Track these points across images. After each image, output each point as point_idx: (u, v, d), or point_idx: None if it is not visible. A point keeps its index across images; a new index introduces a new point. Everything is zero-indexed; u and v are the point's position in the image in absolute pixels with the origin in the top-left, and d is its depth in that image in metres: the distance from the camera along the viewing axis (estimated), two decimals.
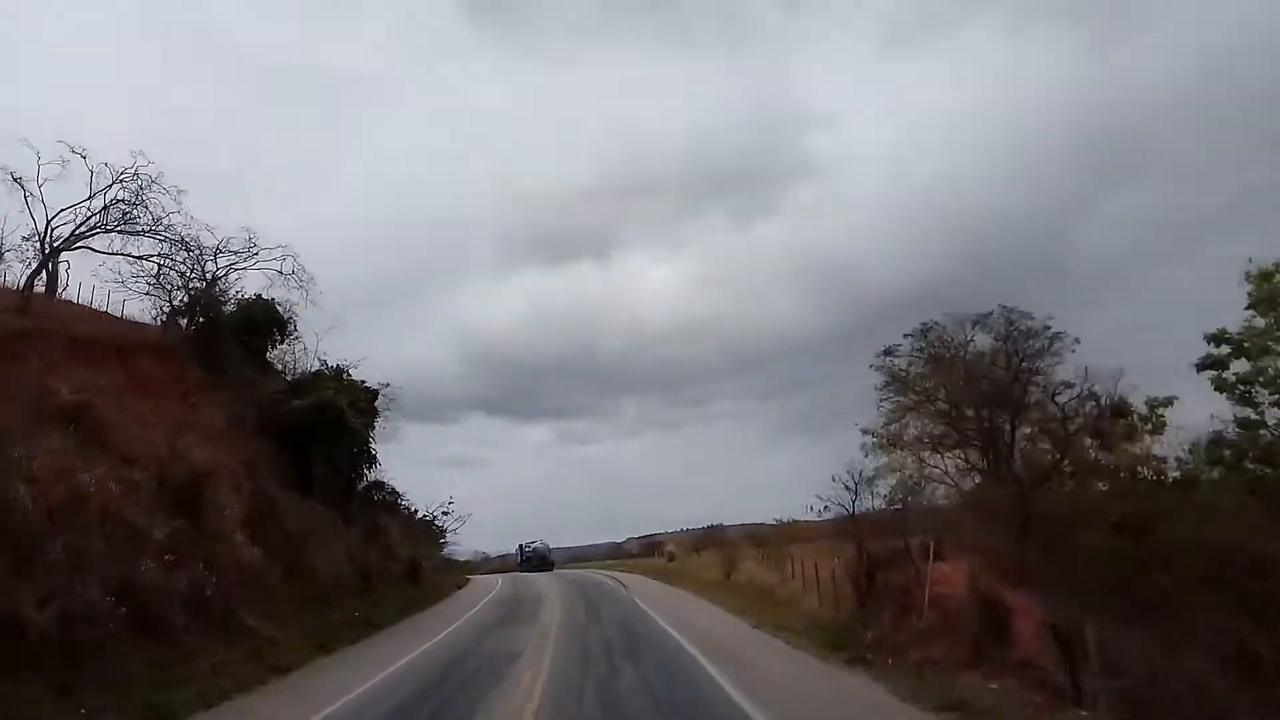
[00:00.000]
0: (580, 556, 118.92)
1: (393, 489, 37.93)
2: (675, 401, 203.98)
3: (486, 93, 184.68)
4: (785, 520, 33.89)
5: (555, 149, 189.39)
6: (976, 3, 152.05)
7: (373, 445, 31.48)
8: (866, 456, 23.50)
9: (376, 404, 31.40)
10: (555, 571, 54.46)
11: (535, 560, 57.73)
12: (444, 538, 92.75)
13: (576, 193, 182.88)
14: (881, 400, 24.57)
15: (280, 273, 26.85)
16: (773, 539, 32.89)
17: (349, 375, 30.10)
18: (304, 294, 27.29)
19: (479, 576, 57.61)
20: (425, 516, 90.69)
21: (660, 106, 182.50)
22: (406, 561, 35.04)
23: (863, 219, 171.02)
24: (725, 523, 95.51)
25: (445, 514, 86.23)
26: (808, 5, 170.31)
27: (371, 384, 31.42)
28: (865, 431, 24.27)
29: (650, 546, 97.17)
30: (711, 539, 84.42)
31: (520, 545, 68.27)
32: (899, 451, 24.75)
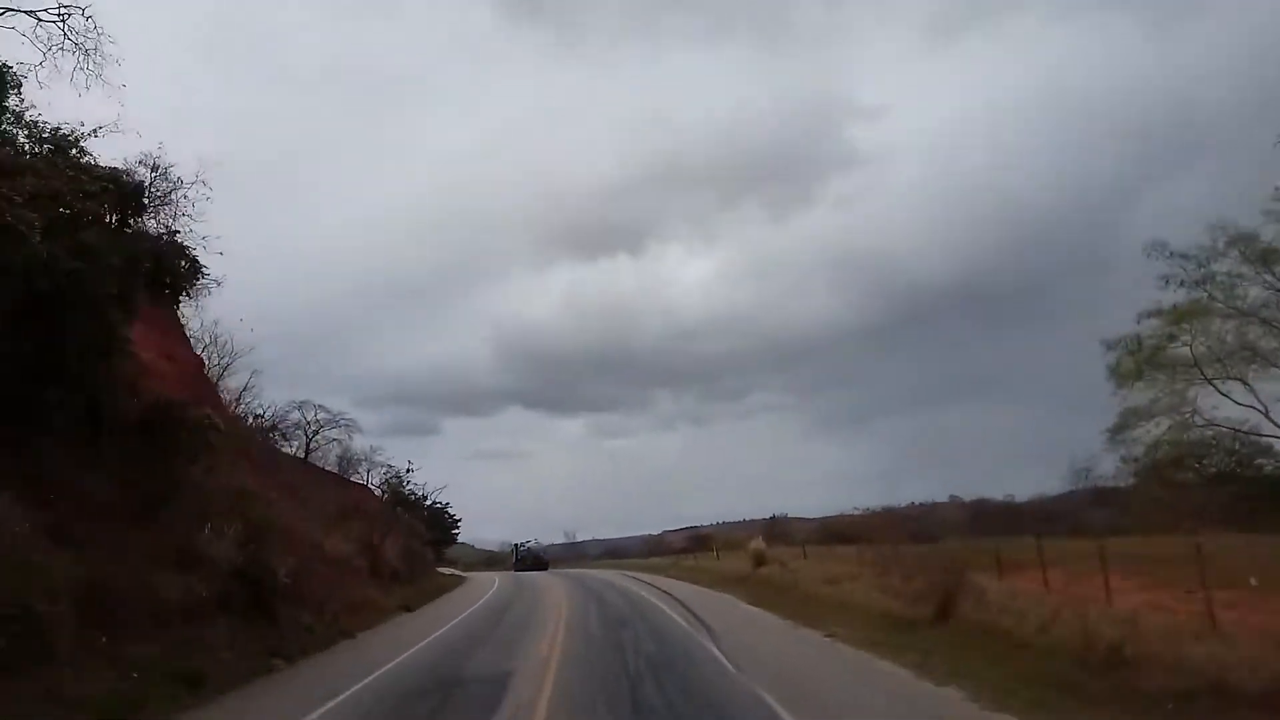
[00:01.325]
0: (615, 550, 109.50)
1: None
2: (710, 395, 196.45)
3: (525, 88, 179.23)
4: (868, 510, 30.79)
5: (593, 143, 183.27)
6: None
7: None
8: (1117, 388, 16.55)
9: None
10: (572, 578, 43.50)
11: (530, 560, 59.00)
12: (455, 529, 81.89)
13: (613, 186, 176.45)
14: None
15: None
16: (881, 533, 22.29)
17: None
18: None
19: (477, 574, 48.86)
20: (436, 505, 79.81)
21: (699, 99, 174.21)
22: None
23: (905, 210, 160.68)
24: (786, 513, 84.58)
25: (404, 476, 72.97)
26: None
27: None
28: (1113, 346, 15.61)
29: (698, 541, 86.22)
30: (776, 533, 72.62)
31: (515, 545, 71.81)
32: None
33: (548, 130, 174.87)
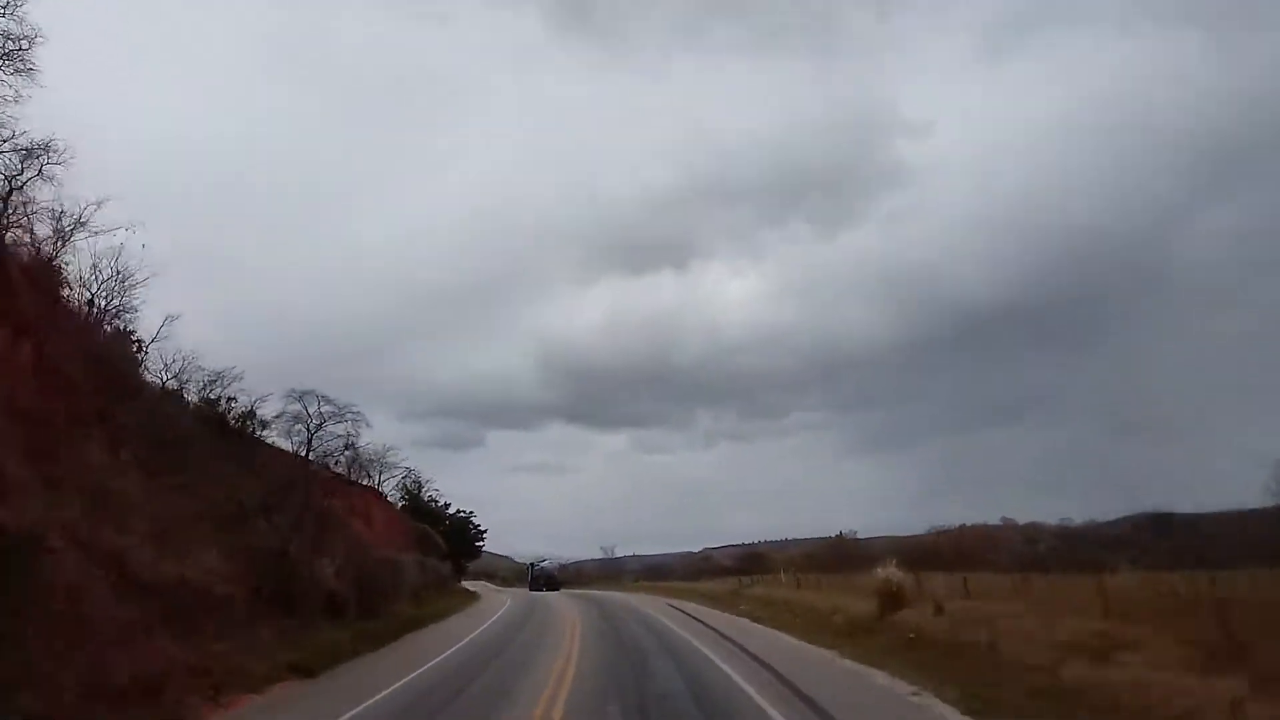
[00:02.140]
0: (656, 569, 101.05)
1: None
2: (751, 412, 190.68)
3: (572, 100, 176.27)
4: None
5: (639, 156, 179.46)
6: (1081, 3, 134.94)
7: None
8: None
9: None
10: (596, 614, 34.52)
11: (543, 579, 57.43)
12: (480, 540, 73.30)
13: (659, 201, 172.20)
14: None
15: None
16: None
17: None
18: None
19: (490, 594, 41.19)
20: (460, 515, 71.18)
21: (746, 113, 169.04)
22: None
23: (953, 227, 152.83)
24: (854, 531, 74.25)
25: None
26: (901, 9, 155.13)
27: None
28: None
29: (750, 560, 76.32)
30: (842, 555, 62.24)
31: (530, 564, 68.65)
32: None
33: (595, 143, 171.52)
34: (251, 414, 35.62)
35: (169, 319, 25.48)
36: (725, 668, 12.38)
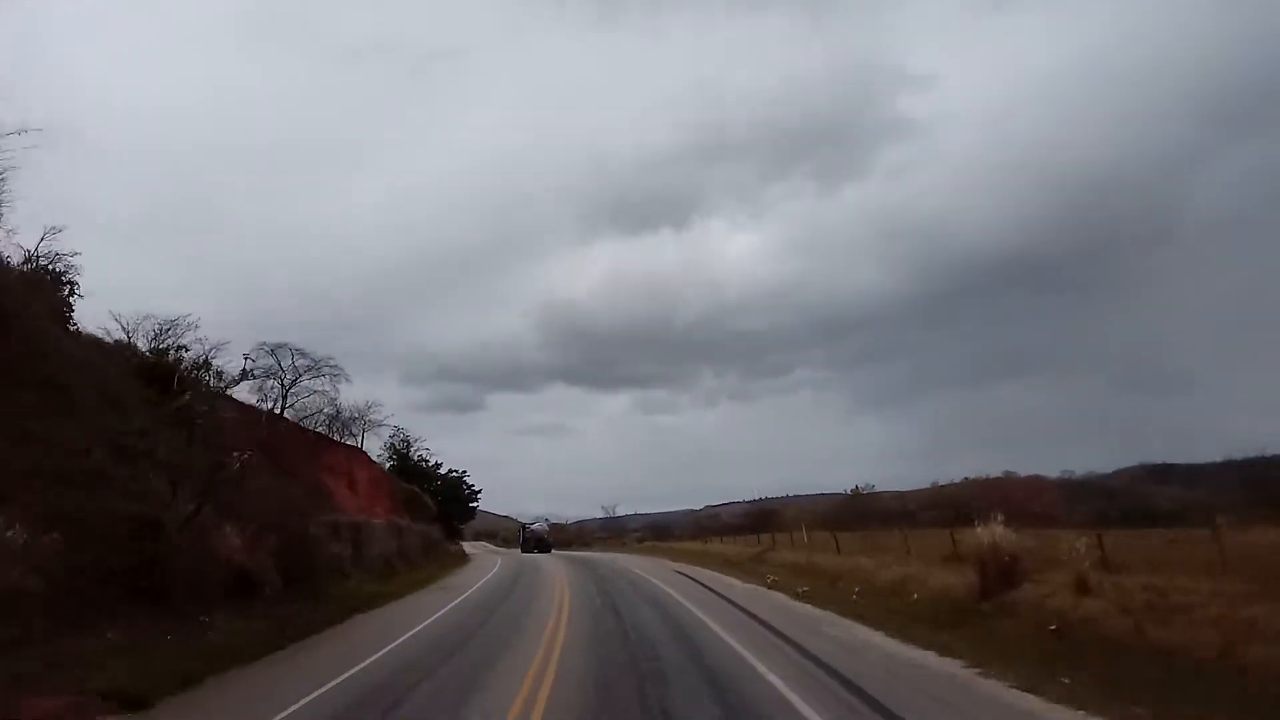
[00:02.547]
0: (659, 527, 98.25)
1: None
2: (755, 371, 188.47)
3: (570, 61, 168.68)
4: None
5: (638, 114, 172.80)
6: None
7: None
8: None
9: None
10: (593, 583, 29.89)
11: (534, 541, 57.07)
12: (474, 500, 69.24)
13: (658, 158, 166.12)
14: None
15: None
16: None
17: None
18: None
19: (482, 557, 37.25)
20: (451, 474, 66.94)
21: (746, 68, 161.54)
22: None
23: (958, 180, 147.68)
24: (872, 485, 70.07)
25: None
26: None
27: None
28: None
29: (761, 518, 72.17)
30: (859, 511, 57.97)
31: (522, 526, 67.52)
32: None
33: (591, 101, 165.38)
34: (205, 364, 30.74)
35: (50, 230, 20.50)
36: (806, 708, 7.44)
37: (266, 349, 42.29)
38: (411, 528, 40.63)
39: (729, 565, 25.34)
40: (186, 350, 29.79)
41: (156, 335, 29.60)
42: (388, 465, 66.85)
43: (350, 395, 60.53)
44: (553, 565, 30.80)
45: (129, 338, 28.33)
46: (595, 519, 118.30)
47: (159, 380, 26.73)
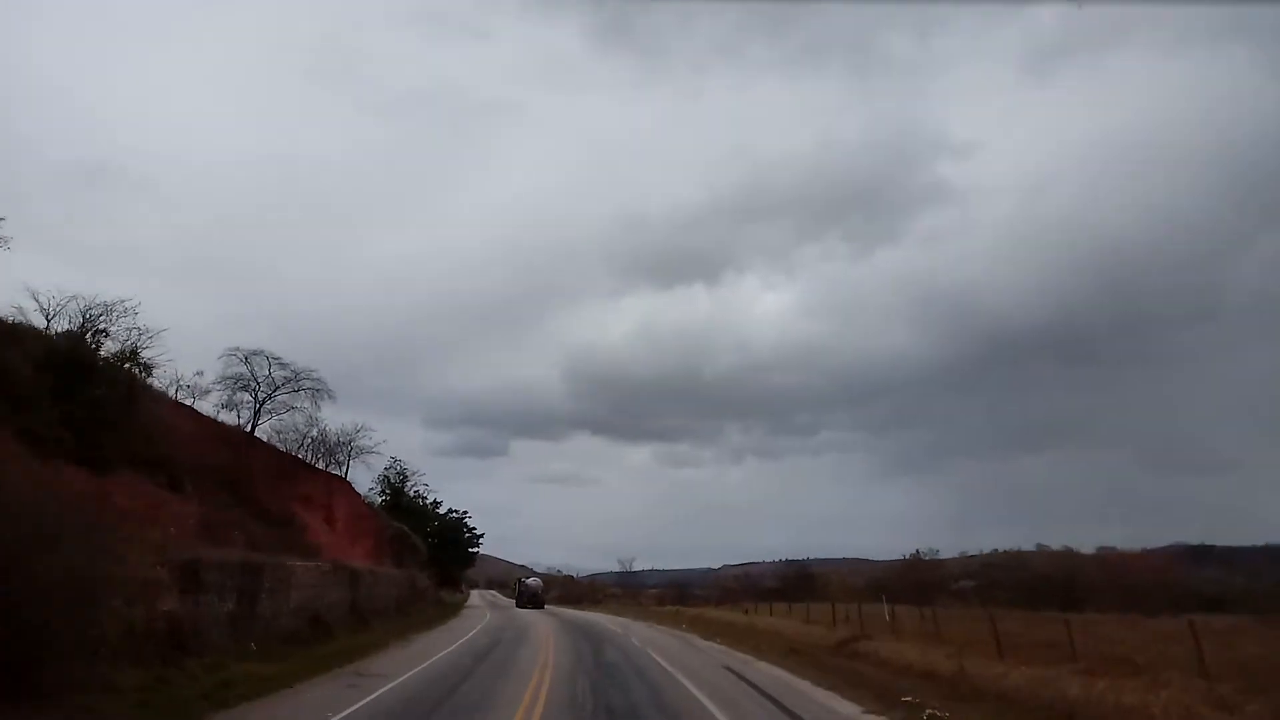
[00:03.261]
0: (679, 584, 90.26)
1: None
2: (780, 429, 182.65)
3: (610, 116, 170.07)
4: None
5: (675, 172, 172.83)
6: (1131, 23, 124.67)
7: None
8: None
9: None
10: (593, 665, 21.16)
11: (527, 596, 54.61)
12: (475, 545, 61.16)
13: (693, 216, 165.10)
14: None
15: None
16: None
17: None
18: None
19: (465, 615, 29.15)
20: (452, 515, 59.56)
21: (783, 131, 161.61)
22: None
23: (993, 248, 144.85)
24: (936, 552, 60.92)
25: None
26: (942, 31, 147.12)
27: None
28: None
29: (799, 581, 62.52)
30: (919, 579, 49.42)
31: (518, 580, 65.53)
32: None
33: (630, 157, 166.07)
34: (133, 355, 24.08)
35: None
36: None
37: (239, 356, 35.86)
38: (379, 574, 33.09)
39: (806, 659, 17.05)
40: (106, 335, 23.27)
41: (84, 320, 23.24)
42: (379, 500, 59.67)
43: (337, 418, 53.64)
44: (544, 636, 22.98)
45: (48, 320, 22.13)
46: (610, 573, 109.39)
47: (69, 369, 20.22)
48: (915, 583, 50.49)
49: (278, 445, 40.26)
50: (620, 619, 34.62)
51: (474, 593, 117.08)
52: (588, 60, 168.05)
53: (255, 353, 35.70)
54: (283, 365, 36.73)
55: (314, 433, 44.34)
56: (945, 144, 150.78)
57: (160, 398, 29.66)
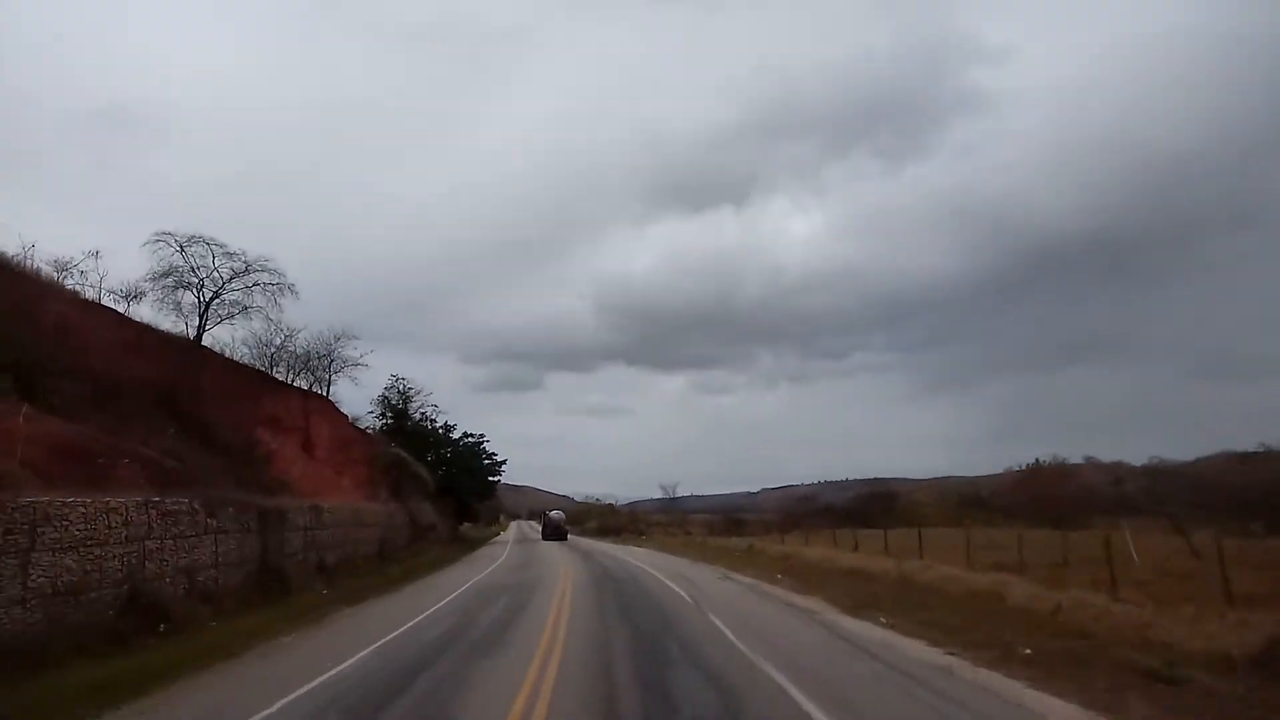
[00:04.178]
0: (728, 509, 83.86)
1: None
2: (814, 353, 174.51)
3: (629, 39, 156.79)
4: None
5: (698, 92, 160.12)
6: None
7: None
8: None
9: None
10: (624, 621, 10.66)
11: (551, 529, 53.68)
12: (495, 473, 52.75)
13: (718, 136, 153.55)
14: None
15: None
16: None
17: None
18: None
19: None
20: (467, 440, 50.64)
21: (808, 43, 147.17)
22: None
23: (1030, 158, 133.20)
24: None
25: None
26: None
27: None
28: None
29: (882, 499, 52.93)
30: (1035, 494, 40.11)
31: (543, 513, 66.50)
32: None
33: (651, 79, 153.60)
34: None
35: None
36: None
37: (171, 242, 26.42)
38: (341, 510, 24.20)
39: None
40: None
41: None
42: (379, 425, 51.15)
43: (317, 321, 44.37)
44: (554, 619, 13.41)
45: None
46: (652, 499, 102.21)
47: None
48: (1037, 498, 40.50)
49: (237, 358, 31.39)
50: (675, 563, 25.25)
51: (514, 524, 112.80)
52: None
53: (193, 239, 26.22)
54: (229, 254, 27.26)
55: (281, 341, 35.09)
56: (978, 49, 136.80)
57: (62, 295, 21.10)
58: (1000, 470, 62.77)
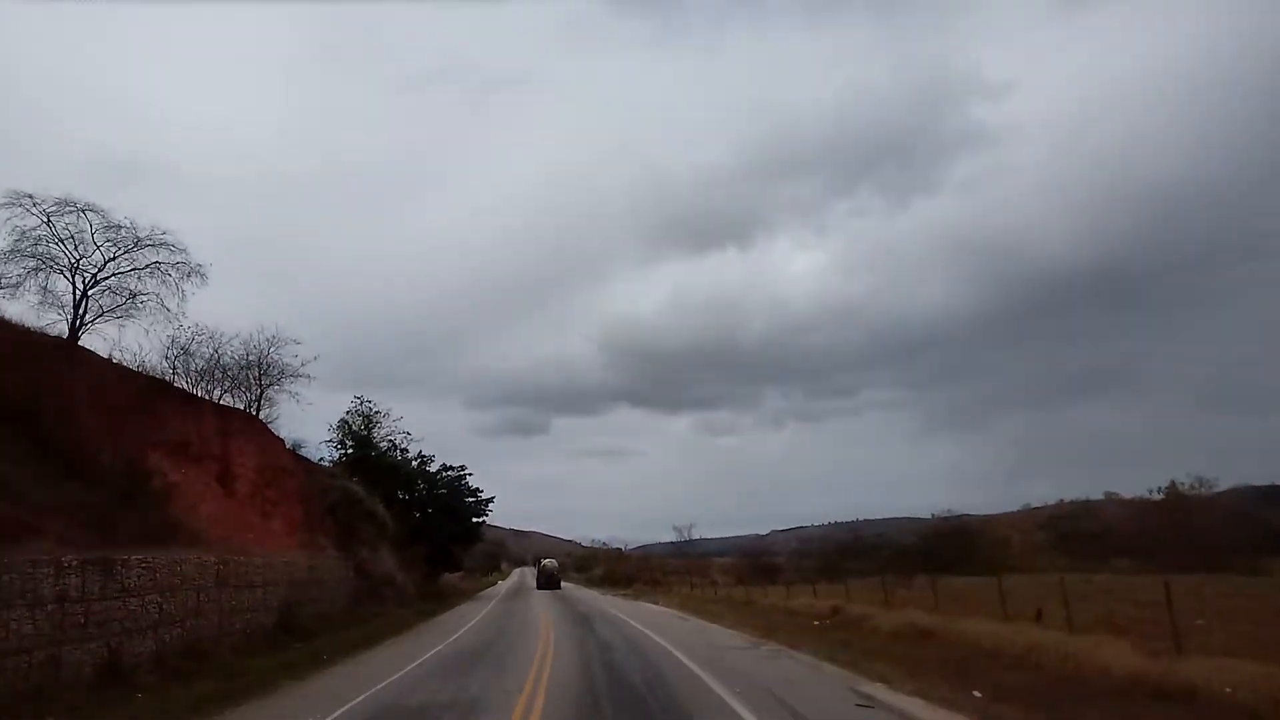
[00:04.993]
0: (747, 551, 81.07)
1: None
2: (821, 391, 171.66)
3: (631, 81, 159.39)
4: None
5: (700, 133, 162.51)
6: None
7: None
8: None
9: None
10: None
11: (545, 577, 53.96)
12: (481, 513, 43.30)
13: (721, 176, 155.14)
14: None
15: None
16: None
17: None
18: None
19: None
20: (446, 472, 41.38)
21: (808, 82, 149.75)
22: None
23: (1035, 192, 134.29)
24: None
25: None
26: None
27: None
28: None
29: (956, 539, 42.48)
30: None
31: (536, 561, 66.18)
32: None
33: (652, 121, 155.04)
34: None
35: None
36: None
37: (33, 208, 18.12)
38: (250, 564, 15.27)
39: None
40: None
41: None
42: (339, 455, 42.19)
43: (237, 322, 35.90)
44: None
45: None
46: (663, 543, 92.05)
47: None
48: (1176, 532, 31.13)
49: (132, 364, 22.90)
50: (725, 641, 15.96)
51: (517, 571, 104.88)
52: (604, 22, 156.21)
53: (64, 204, 18.19)
54: (111, 226, 19.32)
55: (190, 343, 26.34)
56: (979, 85, 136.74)
57: None
58: (1016, 508, 60.43)
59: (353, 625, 21.88)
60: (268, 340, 31.43)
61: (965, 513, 45.89)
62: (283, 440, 30.89)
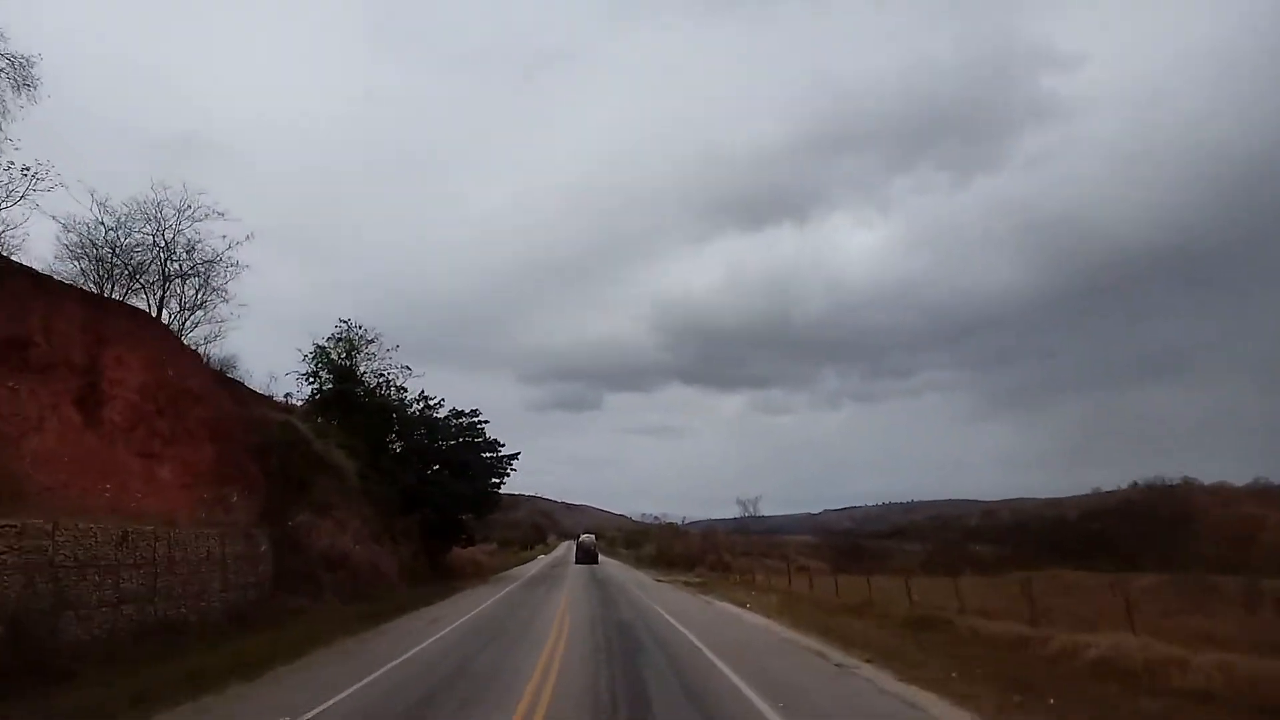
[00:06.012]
0: (807, 529, 76.96)
1: None
2: (877, 371, 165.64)
3: (684, 54, 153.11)
4: None
5: (756, 107, 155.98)
6: None
7: None
8: None
9: None
10: None
11: (583, 552, 55.38)
12: (502, 472, 32.20)
13: (776, 152, 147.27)
14: None
15: None
16: None
17: None
18: None
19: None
20: (457, 418, 30.04)
21: (868, 54, 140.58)
22: None
23: (1105, 167, 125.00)
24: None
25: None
26: None
27: None
28: None
29: (1167, 516, 30.04)
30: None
31: (578, 536, 66.43)
32: None
33: (707, 96, 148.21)
34: None
35: None
36: None
37: None
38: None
39: None
40: None
41: None
42: (309, 389, 32.43)
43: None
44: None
45: None
46: (728, 519, 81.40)
47: None
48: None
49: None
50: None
51: (563, 545, 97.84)
52: None
53: None
54: None
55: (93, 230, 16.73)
56: (1048, 56, 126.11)
57: None
58: (1087, 491, 57.48)
59: (190, 650, 11.62)
60: (176, 209, 21.50)
61: (1171, 481, 35.10)
62: (197, 353, 20.99)
